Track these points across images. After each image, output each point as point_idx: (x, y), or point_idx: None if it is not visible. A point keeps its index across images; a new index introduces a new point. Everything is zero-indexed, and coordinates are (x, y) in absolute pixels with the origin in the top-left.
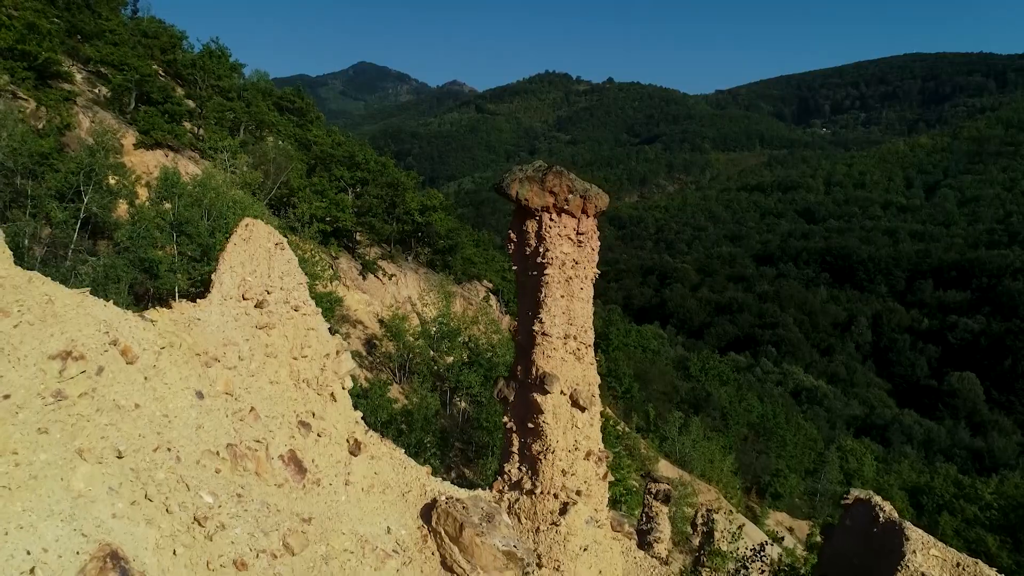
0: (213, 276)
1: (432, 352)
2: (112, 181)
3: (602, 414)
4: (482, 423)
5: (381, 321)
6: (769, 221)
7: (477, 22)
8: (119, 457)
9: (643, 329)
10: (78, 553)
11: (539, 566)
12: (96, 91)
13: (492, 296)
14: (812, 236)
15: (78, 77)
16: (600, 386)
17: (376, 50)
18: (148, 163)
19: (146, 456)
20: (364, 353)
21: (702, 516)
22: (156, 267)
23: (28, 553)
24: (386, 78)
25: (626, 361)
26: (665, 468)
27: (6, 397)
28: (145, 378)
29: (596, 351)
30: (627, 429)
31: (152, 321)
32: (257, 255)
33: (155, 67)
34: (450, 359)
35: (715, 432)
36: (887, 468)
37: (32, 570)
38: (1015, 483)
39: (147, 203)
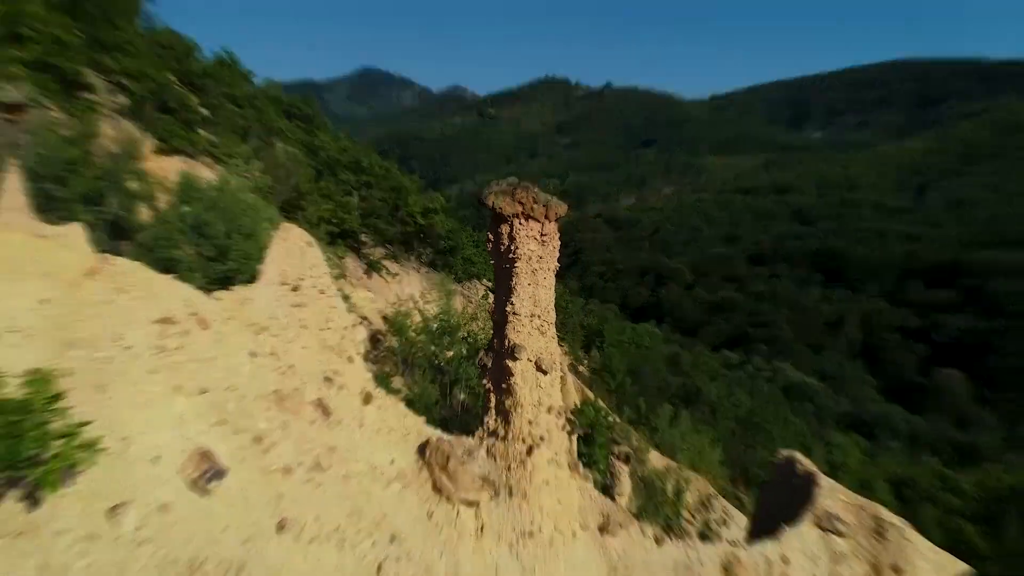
0: (259, 267)
1: (433, 347)
2: (134, 186)
3: (595, 406)
4: (479, 413)
5: (385, 317)
6: (763, 223)
7: (479, 28)
8: (203, 393)
9: (638, 327)
10: (183, 451)
11: (510, 495)
12: (117, 100)
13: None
14: (805, 237)
15: (100, 87)
16: (594, 380)
17: (381, 56)
18: (166, 168)
19: (220, 394)
20: (369, 347)
21: (672, 485)
22: (176, 266)
23: (154, 448)
24: (390, 83)
25: (619, 357)
26: (655, 458)
27: (128, 348)
28: (216, 340)
29: (591, 348)
30: (618, 420)
31: (218, 299)
32: (293, 251)
33: (170, 76)
34: (450, 353)
35: (705, 425)
36: (872, 461)
37: (158, 457)
38: (996, 475)
39: (168, 206)
